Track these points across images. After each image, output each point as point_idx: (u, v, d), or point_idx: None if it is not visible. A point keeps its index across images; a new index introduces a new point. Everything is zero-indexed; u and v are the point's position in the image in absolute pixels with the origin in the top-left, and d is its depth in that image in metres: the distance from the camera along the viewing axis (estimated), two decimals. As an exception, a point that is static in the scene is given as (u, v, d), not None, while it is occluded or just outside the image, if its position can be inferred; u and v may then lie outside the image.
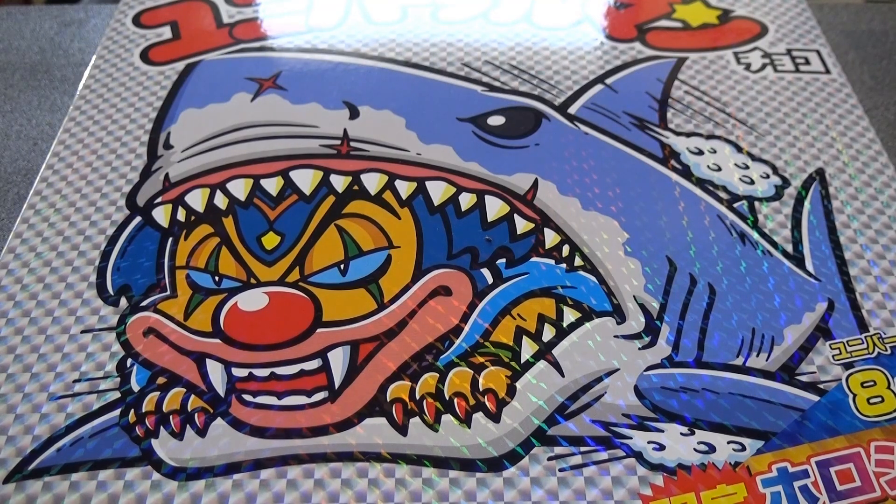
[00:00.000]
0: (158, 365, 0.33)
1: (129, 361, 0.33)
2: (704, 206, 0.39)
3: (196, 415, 0.31)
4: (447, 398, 0.32)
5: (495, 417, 0.31)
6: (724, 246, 0.37)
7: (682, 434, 0.31)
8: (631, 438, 0.31)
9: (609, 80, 0.46)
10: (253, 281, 0.36)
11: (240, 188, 0.39)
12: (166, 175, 0.40)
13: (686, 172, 0.41)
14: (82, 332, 0.34)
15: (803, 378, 0.32)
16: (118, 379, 0.32)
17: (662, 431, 0.31)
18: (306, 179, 0.40)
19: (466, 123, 0.43)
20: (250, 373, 0.32)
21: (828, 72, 0.47)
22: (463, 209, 0.38)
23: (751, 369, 0.33)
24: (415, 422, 0.31)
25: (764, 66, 0.47)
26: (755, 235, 0.38)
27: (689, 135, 0.43)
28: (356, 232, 0.37)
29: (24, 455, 0.30)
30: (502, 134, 0.42)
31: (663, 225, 0.38)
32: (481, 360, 0.33)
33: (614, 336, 0.34)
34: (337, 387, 0.32)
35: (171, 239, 0.37)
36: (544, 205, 0.39)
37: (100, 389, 0.32)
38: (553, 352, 0.33)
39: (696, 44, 0.49)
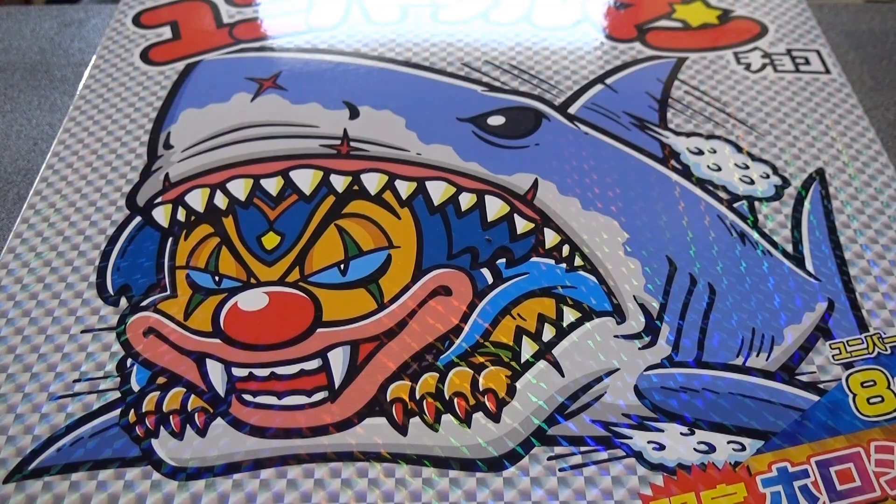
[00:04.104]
0: (158, 365, 0.33)
1: (129, 361, 0.33)
2: (704, 206, 0.39)
3: (196, 415, 0.31)
4: (447, 398, 0.32)
5: (495, 417, 0.31)
6: (724, 246, 0.37)
7: (682, 434, 0.31)
8: (631, 438, 0.31)
9: (609, 80, 0.46)
10: (253, 281, 0.36)
11: (240, 188, 0.39)
12: (166, 175, 0.40)
13: (686, 172, 0.41)
14: (82, 332, 0.34)
15: (803, 378, 0.32)
16: (118, 379, 0.32)
17: (662, 431, 0.31)
18: (306, 179, 0.40)
19: (466, 123, 0.43)
20: (250, 373, 0.32)
21: (828, 72, 0.47)
22: (463, 209, 0.38)
23: (751, 369, 0.33)
24: (415, 422, 0.31)
25: (764, 66, 0.47)
26: (755, 235, 0.38)
27: (689, 135, 0.43)
28: (356, 232, 0.37)
29: (24, 455, 0.30)
30: (502, 134, 0.42)
31: (663, 225, 0.38)
32: (481, 359, 0.33)
33: (614, 336, 0.34)
34: (337, 387, 0.32)
35: (171, 239, 0.37)
36: (544, 205, 0.39)
37: (100, 389, 0.32)
38: (553, 352, 0.33)
39: (696, 44, 0.49)
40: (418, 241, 0.37)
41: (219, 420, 0.31)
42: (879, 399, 0.32)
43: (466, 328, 0.34)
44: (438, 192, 0.39)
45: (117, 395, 0.32)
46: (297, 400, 0.32)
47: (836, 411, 0.31)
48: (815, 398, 0.32)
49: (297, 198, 0.39)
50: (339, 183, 0.40)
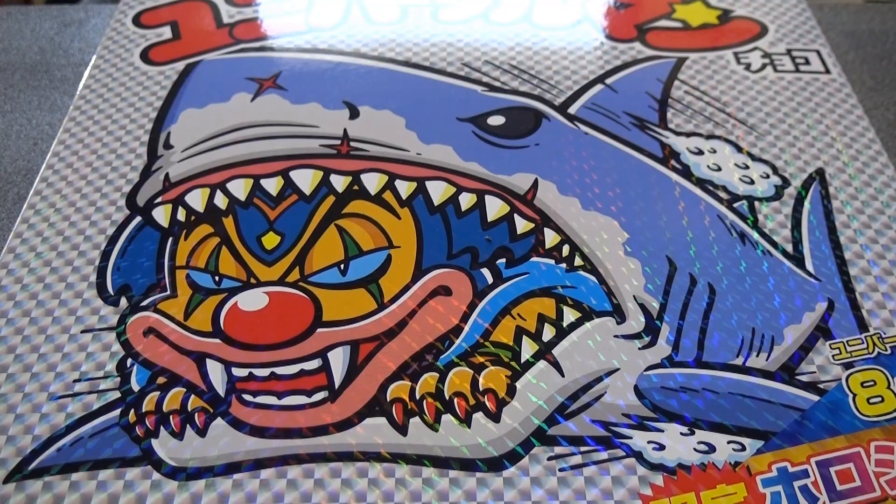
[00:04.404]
0: (158, 365, 0.33)
1: (129, 361, 0.33)
2: (704, 206, 0.39)
3: (196, 415, 0.31)
4: (447, 398, 0.32)
5: (495, 417, 0.31)
6: (724, 246, 0.37)
7: (682, 434, 0.31)
8: (631, 438, 0.31)
9: (609, 80, 0.46)
10: (253, 281, 0.36)
11: (240, 188, 0.39)
12: (166, 175, 0.40)
13: (686, 172, 0.41)
14: (82, 331, 0.34)
15: (803, 378, 0.32)
16: (118, 379, 0.32)
17: (662, 431, 0.31)
18: (306, 179, 0.40)
19: (466, 123, 0.43)
20: (250, 373, 0.32)
21: (828, 72, 0.47)
22: (463, 209, 0.38)
23: (751, 369, 0.33)
24: (415, 422, 0.31)
25: (764, 66, 0.47)
26: (755, 235, 0.38)
27: (689, 135, 0.43)
28: (356, 232, 0.37)
29: (24, 455, 0.30)
30: (502, 134, 0.42)
31: (663, 225, 0.38)
32: (481, 359, 0.33)
33: (614, 336, 0.34)
34: (337, 386, 0.32)
35: (171, 239, 0.37)
36: (544, 205, 0.39)
37: (100, 389, 0.32)
38: (553, 352, 0.33)
39: (696, 44, 0.49)
40: (418, 241, 0.37)
41: (219, 420, 0.31)
42: (879, 399, 0.32)
43: (466, 328, 0.34)
44: (438, 192, 0.39)
45: (117, 395, 0.32)
46: (297, 400, 0.32)
47: (836, 411, 0.31)
48: (815, 398, 0.32)
49: (297, 198, 0.39)
50: (339, 183, 0.40)
